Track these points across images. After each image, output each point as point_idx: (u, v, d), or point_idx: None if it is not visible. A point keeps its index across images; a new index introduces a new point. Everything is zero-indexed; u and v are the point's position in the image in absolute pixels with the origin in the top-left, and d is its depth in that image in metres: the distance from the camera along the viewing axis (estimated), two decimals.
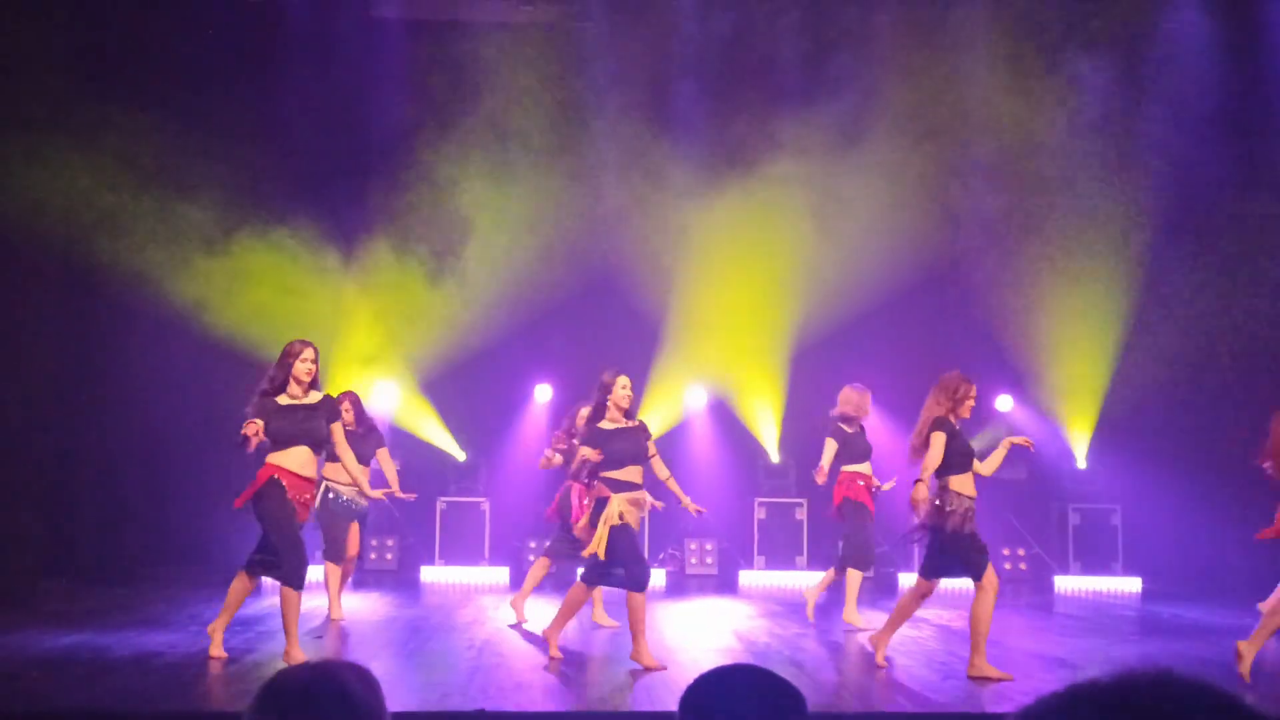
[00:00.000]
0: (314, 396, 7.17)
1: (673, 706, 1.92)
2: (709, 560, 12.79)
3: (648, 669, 7.02)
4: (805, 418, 13.10)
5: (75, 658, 7.19)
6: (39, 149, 9.83)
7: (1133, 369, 12.45)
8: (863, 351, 12.69)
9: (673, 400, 12.86)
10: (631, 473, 7.33)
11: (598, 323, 12.96)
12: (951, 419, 7.11)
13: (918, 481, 7.03)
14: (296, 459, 7.02)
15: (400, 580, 12.16)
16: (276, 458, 7.00)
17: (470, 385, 12.87)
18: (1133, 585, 12.37)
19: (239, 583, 7.21)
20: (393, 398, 12.73)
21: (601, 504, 7.25)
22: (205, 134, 11.73)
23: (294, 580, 6.93)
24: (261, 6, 12.12)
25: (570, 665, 7.33)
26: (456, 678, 6.75)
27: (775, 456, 13.12)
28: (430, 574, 12.33)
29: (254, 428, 6.70)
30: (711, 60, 12.65)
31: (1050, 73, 12.54)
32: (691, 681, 1.95)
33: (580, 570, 7.62)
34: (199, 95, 11.59)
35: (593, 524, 7.27)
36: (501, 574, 12.33)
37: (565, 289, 12.74)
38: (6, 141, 9.59)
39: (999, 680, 6.79)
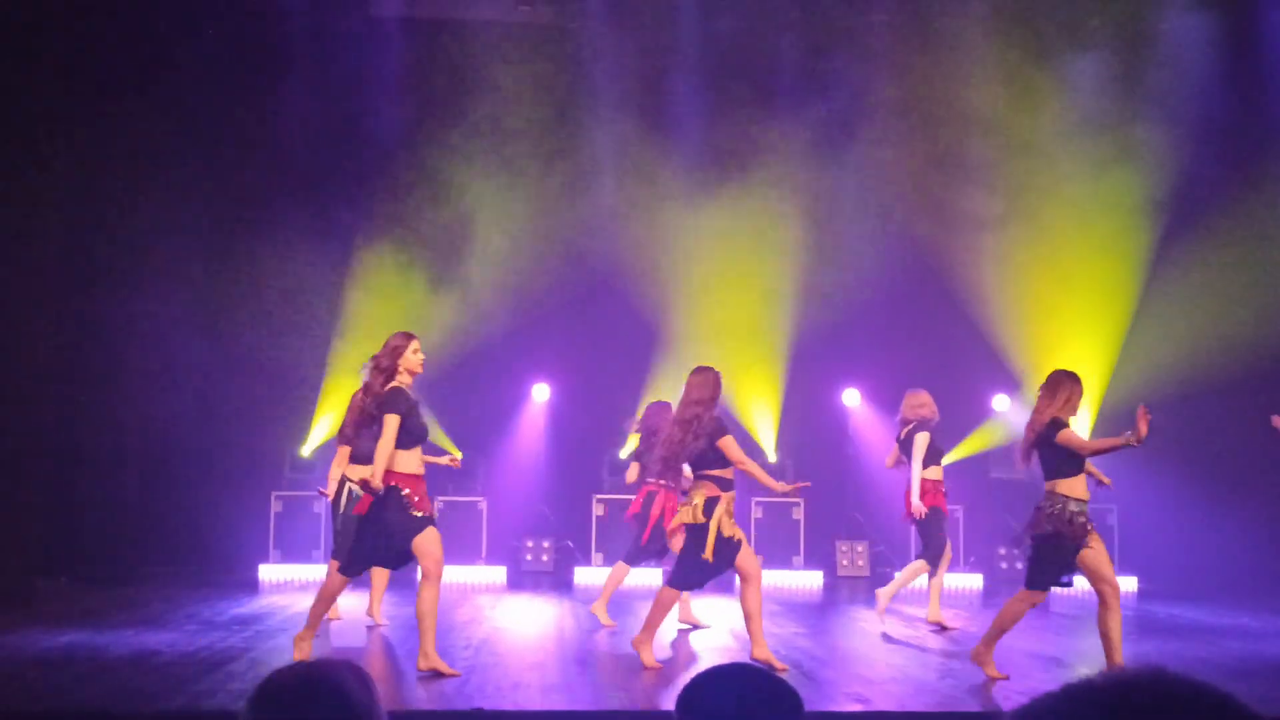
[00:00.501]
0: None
1: (669, 706, 1.94)
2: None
3: (646, 667, 7.02)
4: (802, 417, 13.13)
5: (74, 657, 7.20)
6: (39, 149, 9.82)
7: (1130, 369, 12.47)
8: (860, 351, 12.70)
9: (674, 398, 12.87)
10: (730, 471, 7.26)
11: (596, 322, 12.97)
12: (1066, 418, 6.78)
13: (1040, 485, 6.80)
14: (415, 459, 6.74)
15: (397, 579, 12.11)
16: (397, 461, 6.61)
17: (468, 384, 12.87)
18: (1129, 585, 12.36)
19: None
20: None
21: (712, 503, 7.10)
22: (204, 134, 11.74)
23: (347, 567, 6.94)
24: (261, 6, 12.11)
25: (568, 664, 7.34)
26: (453, 677, 6.76)
27: (772, 456, 13.12)
28: None
29: (377, 482, 6.48)
30: (709, 61, 12.66)
31: (1047, 72, 12.54)
32: (688, 681, 1.96)
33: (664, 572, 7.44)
34: (198, 95, 11.60)
35: (687, 526, 7.20)
36: (499, 573, 12.33)
37: (563, 288, 12.76)
38: (6, 141, 9.59)
39: (994, 679, 6.79)
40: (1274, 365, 12.06)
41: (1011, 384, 12.89)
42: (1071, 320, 12.57)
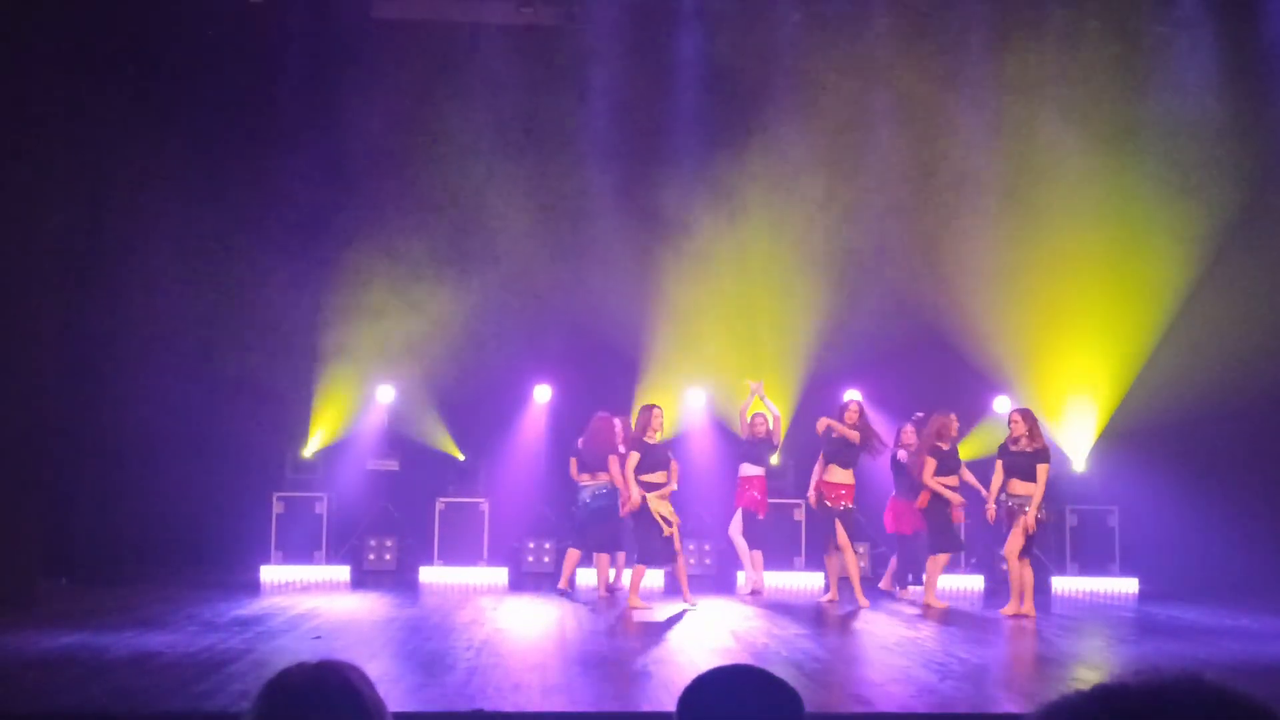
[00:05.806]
0: None
1: (671, 707, 1.94)
2: (707, 561, 12.81)
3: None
4: (803, 419, 13.09)
5: (74, 658, 7.20)
6: (40, 149, 9.83)
7: (1140, 375, 12.45)
8: (866, 351, 12.68)
9: (671, 402, 12.88)
10: None
11: (599, 323, 12.96)
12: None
13: None
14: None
15: (399, 580, 12.16)
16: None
17: (469, 385, 12.87)
18: (1129, 586, 12.36)
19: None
20: (392, 398, 12.75)
21: None
22: (204, 135, 11.74)
23: None
24: (262, 8, 12.12)
25: (569, 666, 7.35)
26: (455, 678, 6.76)
27: (774, 458, 13.09)
28: (429, 574, 12.32)
29: None
30: (712, 66, 12.66)
31: (1049, 82, 12.53)
32: (689, 682, 1.96)
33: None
34: (198, 97, 11.60)
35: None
36: (500, 574, 12.32)
37: (566, 289, 12.75)
38: (5, 141, 9.59)
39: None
40: (1273, 367, 12.07)
41: (1010, 384, 12.87)
42: (1078, 324, 12.53)
